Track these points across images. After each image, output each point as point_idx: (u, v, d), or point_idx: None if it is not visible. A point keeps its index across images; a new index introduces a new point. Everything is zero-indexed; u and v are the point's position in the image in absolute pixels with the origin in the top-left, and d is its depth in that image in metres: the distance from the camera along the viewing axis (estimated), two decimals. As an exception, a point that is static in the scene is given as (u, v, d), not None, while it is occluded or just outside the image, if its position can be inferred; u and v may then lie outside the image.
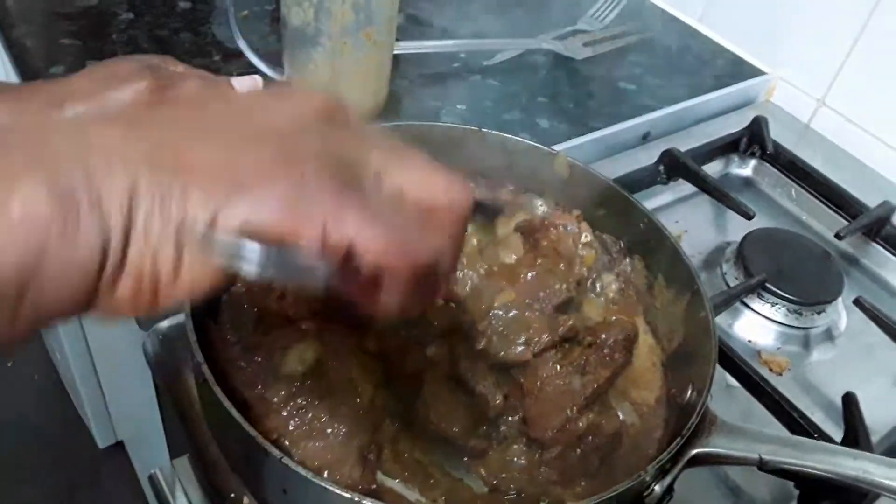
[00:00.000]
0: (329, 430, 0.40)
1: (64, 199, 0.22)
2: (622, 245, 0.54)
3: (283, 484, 0.38)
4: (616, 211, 0.53)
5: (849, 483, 0.40)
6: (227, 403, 0.36)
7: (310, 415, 0.41)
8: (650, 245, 0.51)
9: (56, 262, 0.23)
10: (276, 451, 0.35)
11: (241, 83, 0.51)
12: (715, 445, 0.41)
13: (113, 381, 1.14)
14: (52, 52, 0.72)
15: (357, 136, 0.29)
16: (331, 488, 0.35)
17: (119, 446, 1.39)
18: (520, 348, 0.45)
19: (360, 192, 0.27)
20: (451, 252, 0.30)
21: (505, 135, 0.55)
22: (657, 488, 0.40)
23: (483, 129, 0.55)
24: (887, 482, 0.39)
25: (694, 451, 0.41)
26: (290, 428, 0.40)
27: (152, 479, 0.48)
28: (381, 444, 0.42)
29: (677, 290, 0.49)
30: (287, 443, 0.40)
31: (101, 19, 0.78)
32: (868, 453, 0.40)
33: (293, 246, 0.25)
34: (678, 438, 0.39)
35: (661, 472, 0.40)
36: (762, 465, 0.40)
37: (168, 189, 0.24)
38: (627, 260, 0.53)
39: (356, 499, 0.34)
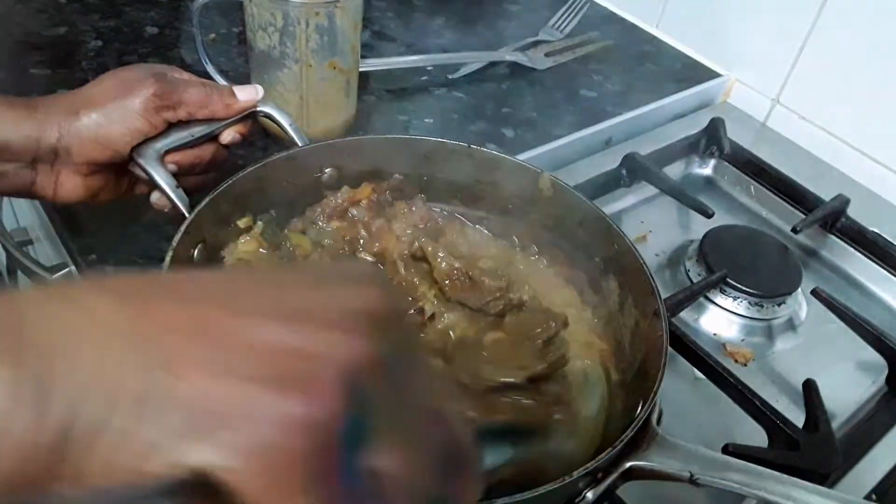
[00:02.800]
0: None
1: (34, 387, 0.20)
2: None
3: None
4: (594, 230, 0.54)
5: None
6: None
7: None
8: (624, 265, 0.52)
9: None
10: None
11: (243, 92, 0.53)
12: (650, 459, 0.41)
13: None
14: (22, 83, 0.73)
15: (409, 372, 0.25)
16: None
17: None
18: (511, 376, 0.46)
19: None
20: None
21: (493, 152, 0.56)
22: (589, 495, 0.40)
23: (472, 146, 0.56)
24: None
25: (629, 464, 0.41)
26: None
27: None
28: None
29: (643, 310, 0.50)
30: None
31: (70, 48, 0.78)
32: (796, 479, 0.40)
33: None
34: (609, 448, 0.39)
35: (594, 480, 0.40)
36: (693, 482, 0.41)
37: (146, 409, 0.20)
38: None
39: None
